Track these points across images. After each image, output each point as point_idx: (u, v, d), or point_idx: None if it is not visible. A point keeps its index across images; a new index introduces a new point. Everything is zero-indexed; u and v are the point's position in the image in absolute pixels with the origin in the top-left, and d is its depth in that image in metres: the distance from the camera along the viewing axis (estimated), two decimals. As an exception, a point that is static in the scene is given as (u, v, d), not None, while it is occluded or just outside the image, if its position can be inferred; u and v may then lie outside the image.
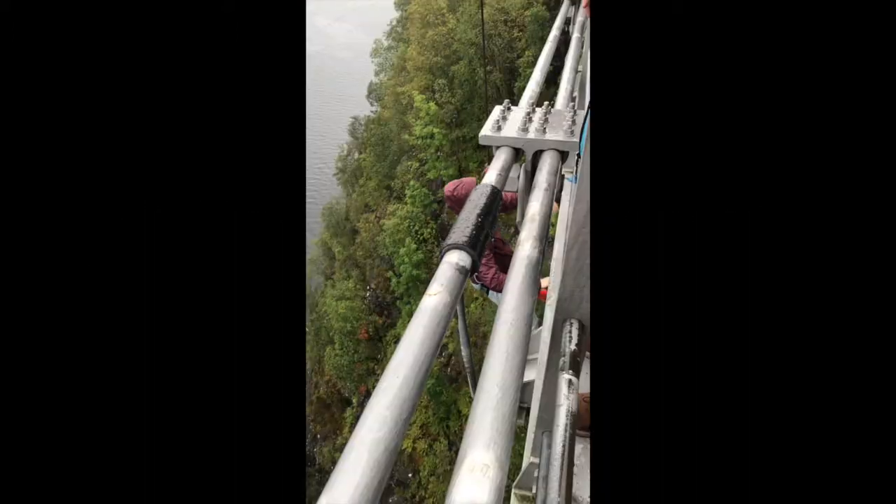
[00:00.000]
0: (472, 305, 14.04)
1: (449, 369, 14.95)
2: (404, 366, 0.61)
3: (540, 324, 2.34)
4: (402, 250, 16.80)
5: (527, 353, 0.67)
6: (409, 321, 0.68)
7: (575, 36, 2.82)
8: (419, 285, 16.27)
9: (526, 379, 1.82)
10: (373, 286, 20.28)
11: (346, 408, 19.08)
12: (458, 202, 2.87)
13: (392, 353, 0.63)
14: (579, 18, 3.03)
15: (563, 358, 0.70)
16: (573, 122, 1.31)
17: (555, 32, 2.93)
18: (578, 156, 1.10)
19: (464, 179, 2.98)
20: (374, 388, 0.56)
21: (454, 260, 0.80)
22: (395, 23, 24.87)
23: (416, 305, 0.71)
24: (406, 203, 17.94)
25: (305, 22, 0.54)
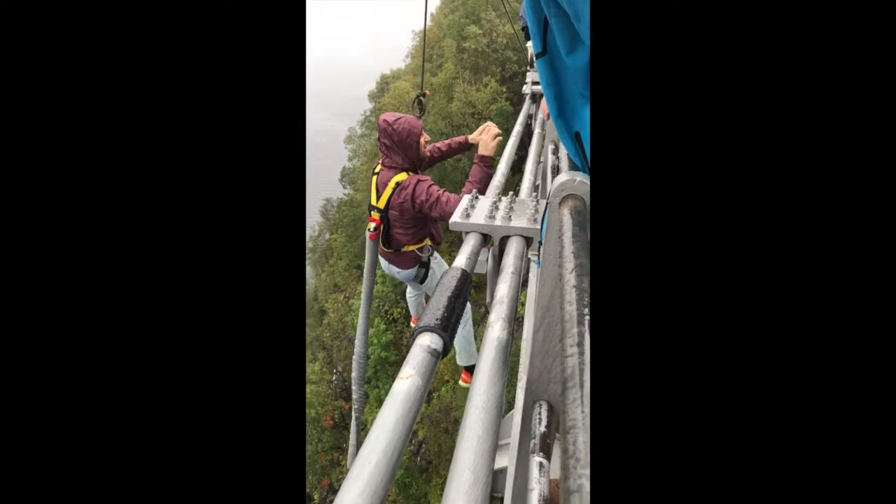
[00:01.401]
0: (444, 389, 13.63)
1: (419, 458, 14.16)
2: (376, 452, 0.61)
3: (511, 407, 2.31)
4: (370, 331, 16.46)
5: (498, 436, 0.68)
6: (377, 406, 0.69)
7: (536, 131, 3.06)
8: (388, 368, 15.78)
9: (499, 466, 1.77)
10: (340, 369, 19.56)
11: (307, 505, 17.53)
12: (394, 138, 2.40)
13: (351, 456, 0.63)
14: (540, 116, 3.31)
15: (533, 440, 0.71)
16: (536, 210, 1.40)
17: (518, 128, 3.18)
18: (540, 243, 1.17)
19: (408, 116, 2.53)
20: (338, 482, 0.56)
21: (426, 342, 0.82)
22: (368, 113, 26.33)
23: (385, 389, 0.72)
24: (376, 283, 17.87)
25: (305, 24, 0.57)
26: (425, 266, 2.73)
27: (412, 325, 3.40)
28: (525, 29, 4.71)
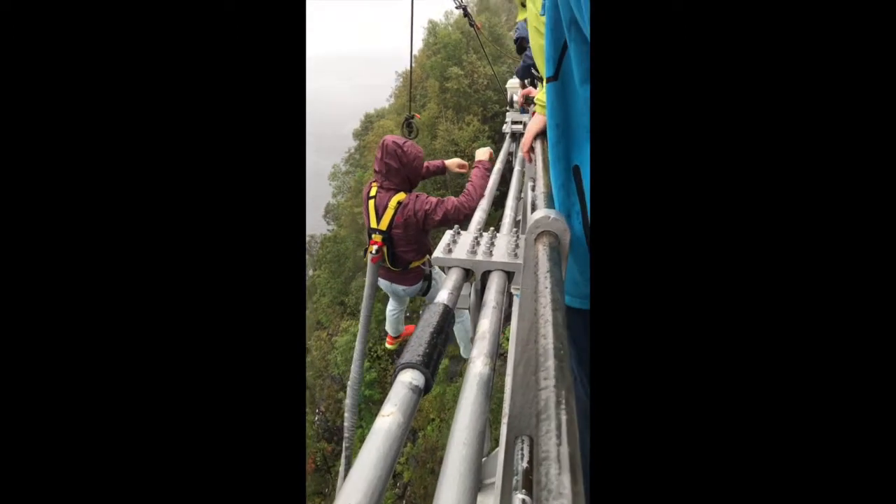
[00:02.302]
0: (429, 427, 13.31)
1: (404, 502, 13.65)
2: (357, 492, 0.60)
3: (497, 446, 2.27)
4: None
5: (480, 474, 0.67)
6: (360, 447, 0.68)
7: (516, 169, 3.14)
8: (372, 406, 15.41)
9: (485, 506, 1.72)
10: (322, 409, 19.01)
11: (286, 557, 16.56)
12: (403, 160, 2.48)
13: (341, 485, 0.62)
14: (520, 154, 3.40)
15: (515, 477, 0.70)
16: (517, 245, 1.43)
17: (498, 165, 3.26)
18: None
19: (411, 141, 2.64)
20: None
21: (408, 379, 0.82)
22: (352, 150, 26.68)
23: (369, 428, 0.71)
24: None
25: (305, 24, 0.58)
26: (428, 278, 2.88)
27: (387, 344, 3.48)
28: (517, 41, 4.70)
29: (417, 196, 2.58)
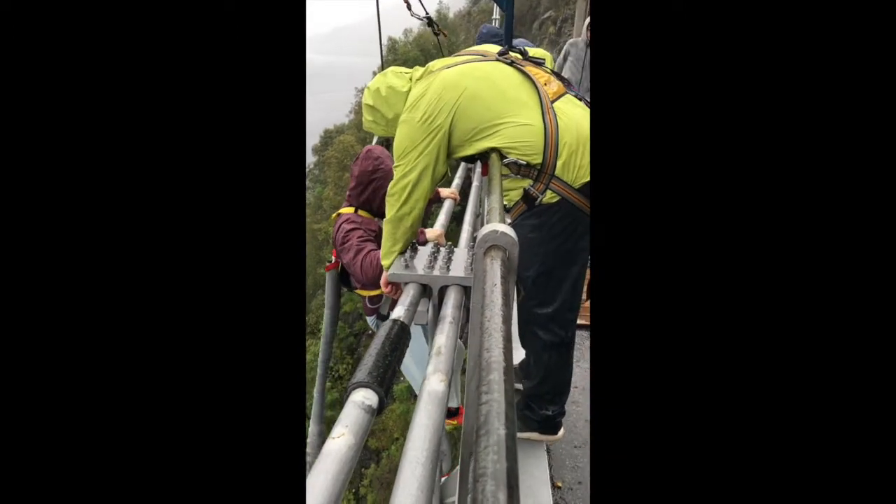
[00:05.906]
0: (393, 447, 13.06)
1: (364, 527, 13.27)
2: (303, 519, 0.57)
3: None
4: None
5: (432, 493, 0.66)
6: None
7: (475, 184, 3.18)
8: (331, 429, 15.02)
9: (446, 526, 1.69)
10: (282, 432, 18.33)
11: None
12: (361, 167, 2.08)
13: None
14: (477, 170, 3.45)
15: (470, 495, 0.69)
16: (474, 259, 1.44)
17: (458, 181, 3.29)
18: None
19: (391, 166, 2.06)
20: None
21: (360, 399, 0.80)
22: (312, 166, 26.35)
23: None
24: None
25: (305, 24, 0.57)
26: (383, 320, 2.34)
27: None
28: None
29: (349, 221, 2.11)
